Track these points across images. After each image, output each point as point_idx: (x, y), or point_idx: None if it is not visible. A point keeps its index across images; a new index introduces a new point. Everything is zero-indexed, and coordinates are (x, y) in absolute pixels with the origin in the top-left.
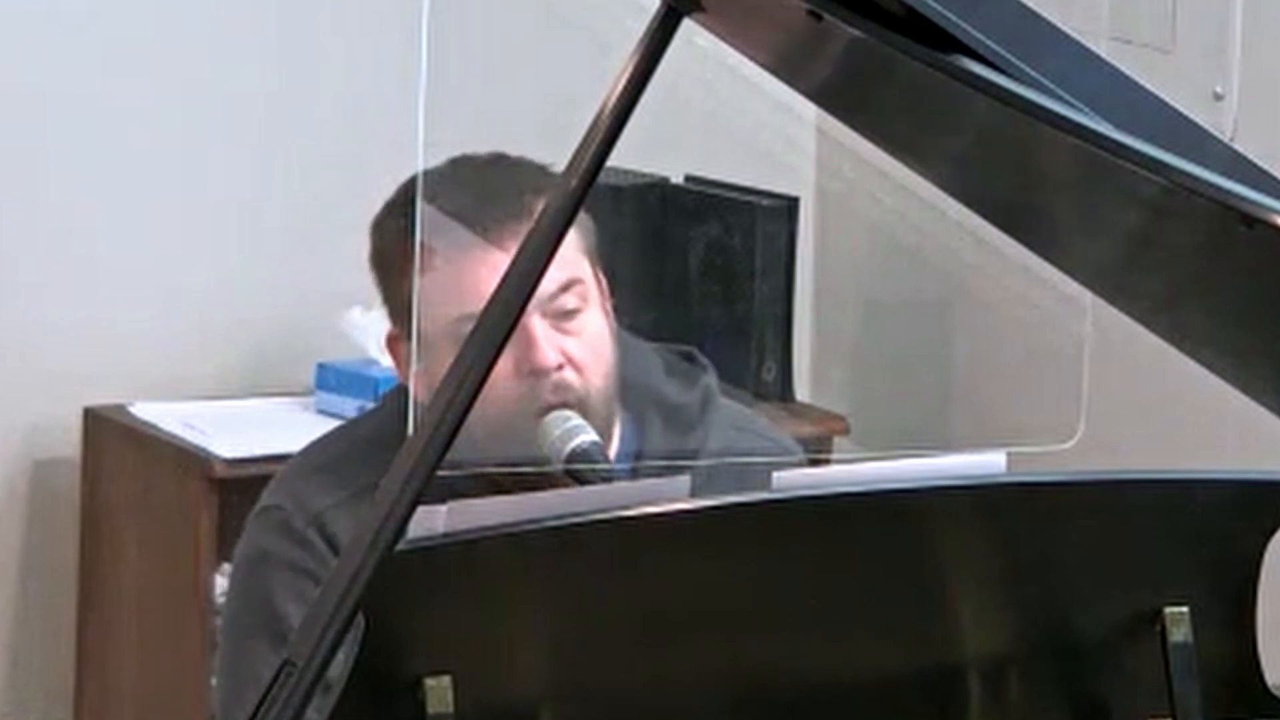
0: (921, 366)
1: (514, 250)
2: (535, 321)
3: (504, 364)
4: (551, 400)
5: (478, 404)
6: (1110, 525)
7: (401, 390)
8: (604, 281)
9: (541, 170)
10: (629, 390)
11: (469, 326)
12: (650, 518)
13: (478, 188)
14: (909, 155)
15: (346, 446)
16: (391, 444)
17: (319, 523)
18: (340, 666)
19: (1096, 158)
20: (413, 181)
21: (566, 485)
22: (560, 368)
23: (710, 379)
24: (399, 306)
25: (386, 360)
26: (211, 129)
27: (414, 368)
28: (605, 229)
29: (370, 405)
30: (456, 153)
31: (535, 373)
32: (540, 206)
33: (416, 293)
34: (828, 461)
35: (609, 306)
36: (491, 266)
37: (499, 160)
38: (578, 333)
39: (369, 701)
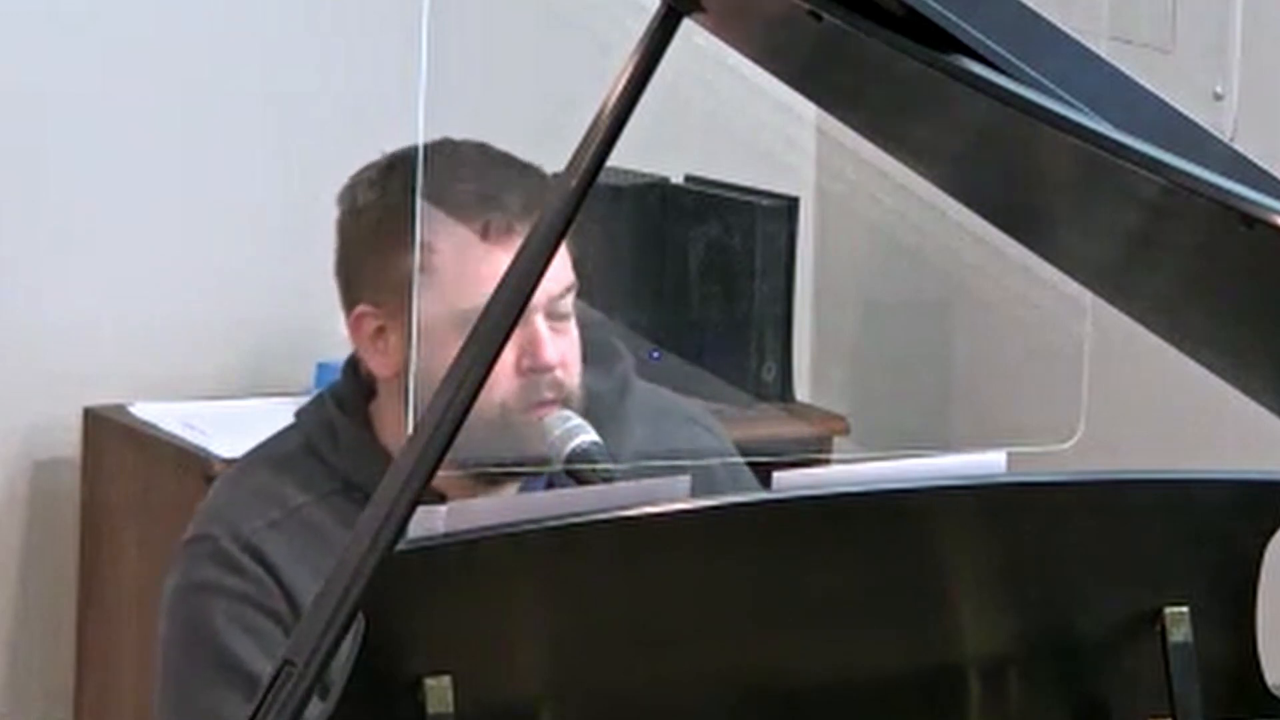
0: (921, 366)
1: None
2: (539, 320)
3: (504, 359)
4: (548, 396)
5: (476, 401)
6: (1110, 525)
7: (320, 401)
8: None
9: (528, 168)
10: None
11: (471, 320)
12: (650, 518)
13: (478, 182)
14: (909, 155)
15: (271, 467)
16: (315, 456)
17: (250, 546)
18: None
19: (1096, 158)
20: (394, 157)
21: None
22: (558, 368)
23: (627, 365)
24: (376, 281)
25: None
26: (211, 129)
27: (413, 365)
28: (606, 229)
29: None
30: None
31: (535, 370)
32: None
33: (417, 291)
34: (828, 461)
35: None
36: (494, 263)
37: (485, 151)
38: (568, 334)
39: (369, 701)
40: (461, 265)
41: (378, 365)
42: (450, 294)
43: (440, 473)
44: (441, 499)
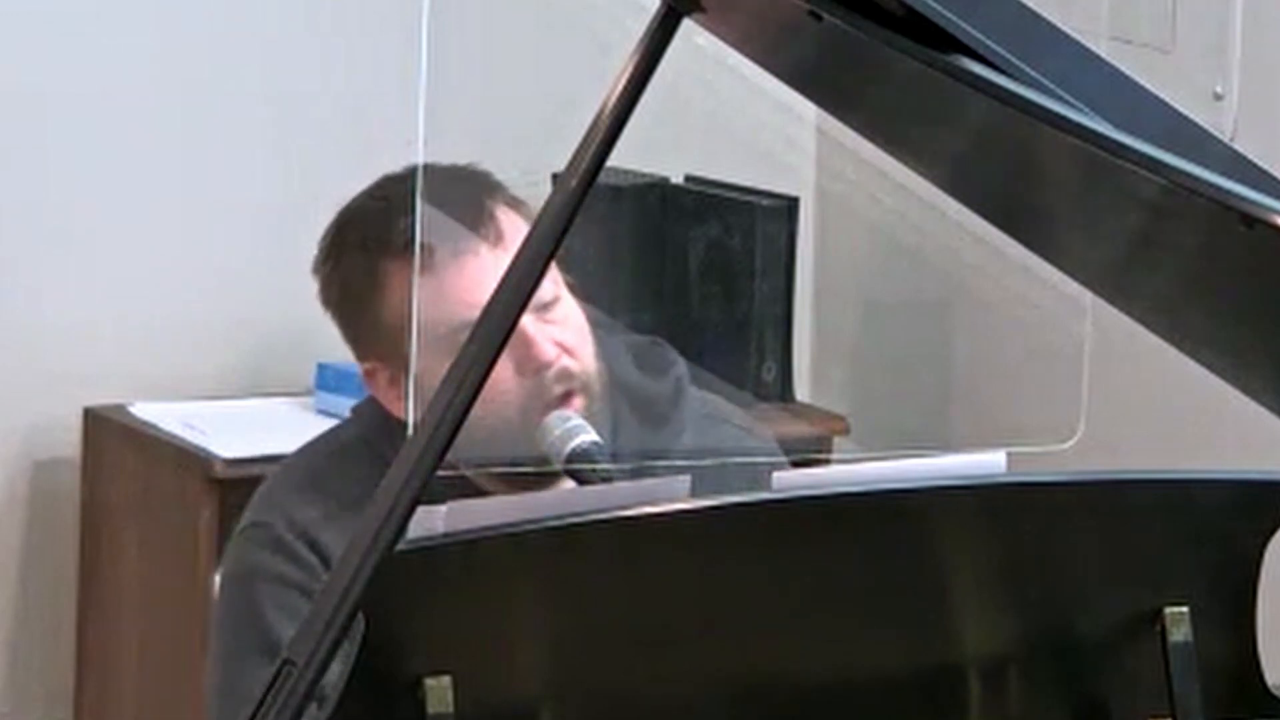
0: (921, 366)
1: (482, 255)
2: (525, 320)
3: (504, 368)
4: (558, 390)
5: (487, 407)
6: (1110, 525)
7: (373, 399)
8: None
9: (480, 172)
10: (603, 378)
11: (459, 338)
12: (650, 518)
13: (439, 200)
14: (909, 155)
15: (327, 458)
16: (372, 451)
17: (307, 536)
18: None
19: (1096, 158)
20: (341, 217)
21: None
22: (559, 358)
23: (681, 369)
24: (374, 335)
25: None
26: (211, 129)
27: (413, 366)
28: (606, 229)
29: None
30: (457, 153)
31: (538, 370)
32: (498, 206)
33: (416, 292)
34: (828, 461)
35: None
36: (472, 274)
37: (434, 169)
38: (561, 320)
39: (369, 701)
40: (442, 278)
41: (400, 411)
42: (438, 309)
43: (442, 473)
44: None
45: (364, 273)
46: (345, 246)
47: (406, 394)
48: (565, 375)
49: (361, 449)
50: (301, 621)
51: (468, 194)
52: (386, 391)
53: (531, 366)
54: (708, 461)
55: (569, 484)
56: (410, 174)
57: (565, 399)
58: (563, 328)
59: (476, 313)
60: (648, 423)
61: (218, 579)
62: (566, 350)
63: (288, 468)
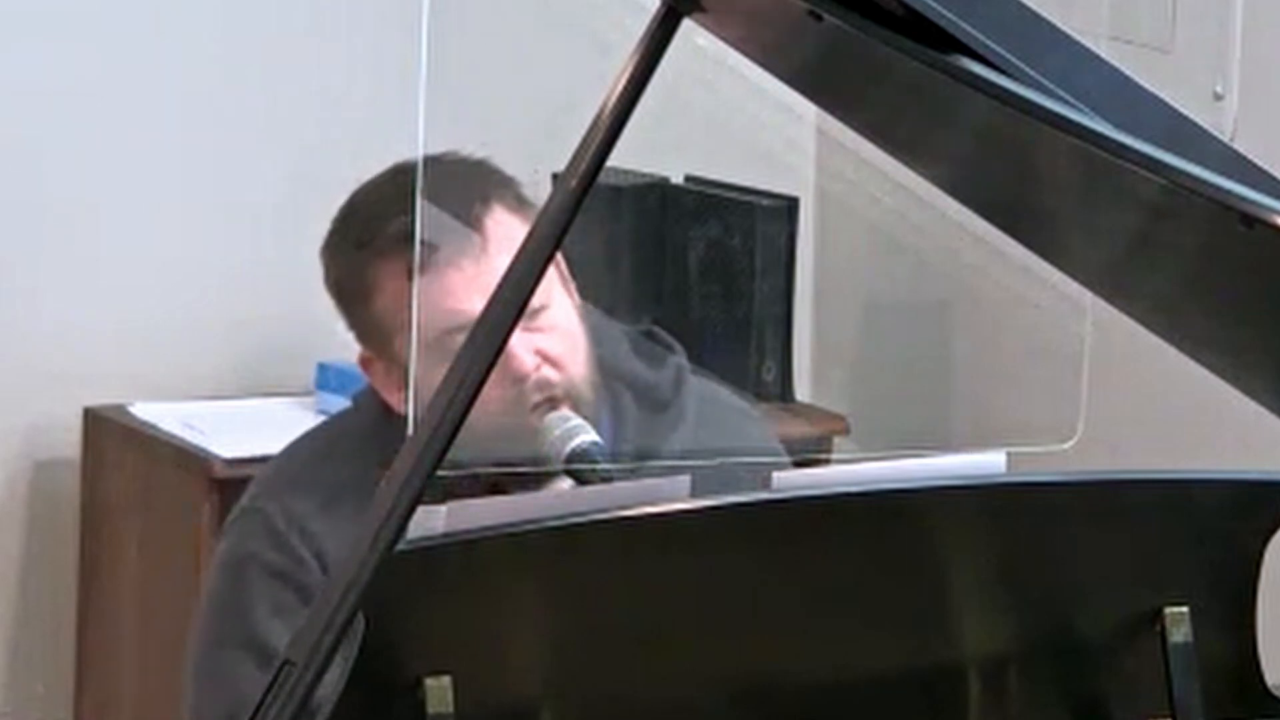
0: (921, 366)
1: (464, 268)
2: None
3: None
4: (537, 399)
5: (475, 411)
6: (1110, 525)
7: (373, 389)
8: (564, 263)
9: (487, 170)
10: (601, 371)
11: (447, 341)
12: (650, 518)
13: (434, 197)
14: (909, 155)
15: (328, 444)
16: (370, 441)
17: (303, 528)
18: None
19: (1096, 158)
20: (343, 210)
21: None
22: (538, 368)
23: (680, 357)
24: (368, 330)
25: None
26: (212, 129)
27: (413, 367)
28: (606, 229)
29: None
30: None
31: (516, 380)
32: (490, 213)
33: (416, 293)
34: (828, 461)
35: (573, 288)
36: (453, 285)
37: (440, 164)
38: (549, 328)
39: (369, 701)
40: (441, 281)
41: (397, 401)
42: (435, 310)
43: (442, 473)
44: (495, 489)
45: (355, 272)
46: (339, 245)
47: (406, 385)
48: (544, 385)
49: (359, 439)
50: (300, 622)
51: (461, 197)
52: (384, 380)
53: (510, 377)
54: (712, 462)
55: (565, 483)
56: (421, 164)
57: (550, 405)
58: (549, 335)
59: (460, 319)
60: (649, 409)
61: (216, 556)
62: (550, 360)
63: (288, 455)
